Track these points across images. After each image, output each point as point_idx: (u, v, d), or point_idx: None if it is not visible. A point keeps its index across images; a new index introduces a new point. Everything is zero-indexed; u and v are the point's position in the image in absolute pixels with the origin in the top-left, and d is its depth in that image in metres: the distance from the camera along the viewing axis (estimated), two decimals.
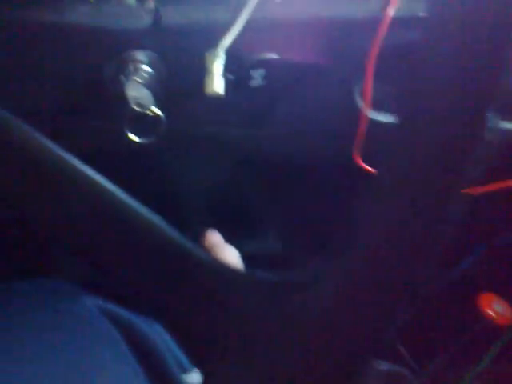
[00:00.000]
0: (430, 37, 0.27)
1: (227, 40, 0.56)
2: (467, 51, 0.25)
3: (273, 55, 0.59)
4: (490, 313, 0.84)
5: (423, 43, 0.27)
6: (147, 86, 0.60)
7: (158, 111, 0.61)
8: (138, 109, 0.60)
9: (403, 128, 0.28)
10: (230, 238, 1.03)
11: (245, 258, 1.02)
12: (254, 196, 1.04)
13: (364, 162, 0.68)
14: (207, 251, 0.55)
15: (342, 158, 0.72)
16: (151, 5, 0.59)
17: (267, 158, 0.86)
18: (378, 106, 0.67)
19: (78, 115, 0.66)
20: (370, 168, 0.68)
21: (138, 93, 0.59)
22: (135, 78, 0.59)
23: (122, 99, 0.59)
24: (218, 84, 0.56)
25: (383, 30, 0.58)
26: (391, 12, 0.58)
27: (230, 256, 0.55)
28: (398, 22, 0.58)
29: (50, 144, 0.44)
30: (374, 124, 0.67)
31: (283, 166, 0.91)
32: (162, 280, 0.24)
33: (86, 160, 0.89)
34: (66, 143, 0.81)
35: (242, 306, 0.26)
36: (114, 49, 0.58)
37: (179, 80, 0.61)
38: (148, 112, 0.60)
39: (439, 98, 0.26)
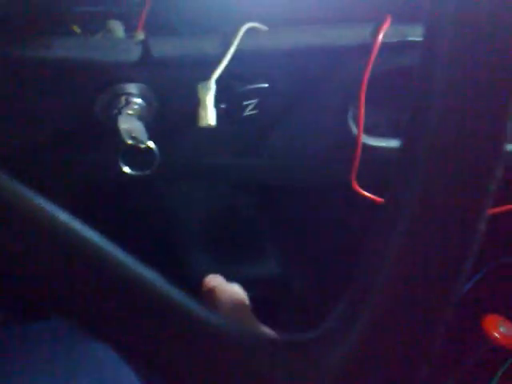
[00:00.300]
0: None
1: (218, 71, 0.56)
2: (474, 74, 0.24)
3: (264, 84, 0.59)
4: (495, 334, 0.83)
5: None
6: (139, 118, 0.60)
7: (151, 144, 0.61)
8: (131, 142, 0.59)
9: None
10: (229, 263, 1.03)
11: (245, 281, 1.02)
12: (252, 220, 1.03)
13: (361, 186, 0.68)
14: (210, 295, 0.52)
15: (337, 182, 0.71)
16: (140, 37, 0.59)
17: (263, 184, 0.86)
18: (371, 130, 0.67)
19: (70, 149, 0.65)
20: (367, 193, 0.68)
21: (131, 125, 0.59)
22: (127, 110, 0.59)
23: (115, 132, 0.59)
24: (211, 116, 0.56)
25: (374, 56, 0.58)
26: (381, 38, 0.58)
27: (234, 295, 0.52)
28: (389, 48, 0.58)
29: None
30: (369, 149, 0.66)
31: (279, 191, 0.91)
32: (158, 346, 0.23)
33: (80, 193, 0.89)
34: (59, 177, 0.81)
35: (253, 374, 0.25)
36: (103, 82, 0.58)
37: (171, 111, 0.61)
38: (141, 145, 0.60)
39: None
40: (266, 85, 0.59)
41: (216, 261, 1.04)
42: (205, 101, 0.57)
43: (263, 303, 1.00)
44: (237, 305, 0.51)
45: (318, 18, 0.60)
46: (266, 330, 0.53)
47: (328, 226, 0.95)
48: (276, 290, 1.04)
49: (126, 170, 0.62)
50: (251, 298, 0.99)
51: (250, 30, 0.58)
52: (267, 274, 1.04)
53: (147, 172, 0.63)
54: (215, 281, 0.53)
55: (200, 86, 0.57)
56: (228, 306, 0.50)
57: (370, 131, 0.66)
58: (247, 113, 0.59)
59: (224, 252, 1.04)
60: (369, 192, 0.68)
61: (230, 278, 1.03)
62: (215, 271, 1.03)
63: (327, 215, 0.95)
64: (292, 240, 1.02)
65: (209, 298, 0.51)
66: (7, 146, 0.63)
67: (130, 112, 0.59)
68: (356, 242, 0.91)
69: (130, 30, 0.61)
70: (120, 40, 0.58)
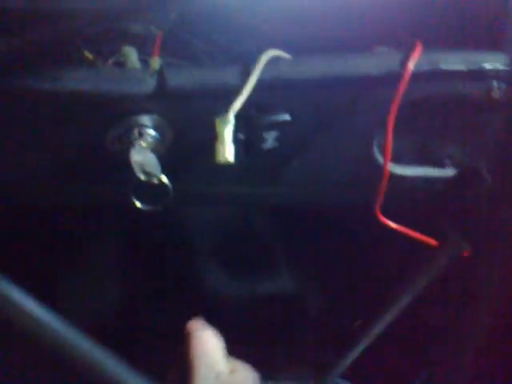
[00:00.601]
0: None
1: (238, 104, 0.53)
2: None
3: (286, 116, 0.56)
4: None
5: None
6: (152, 150, 0.56)
7: (164, 179, 0.57)
8: (143, 177, 0.56)
9: None
10: (244, 280, 1.01)
11: (259, 298, 1.00)
12: (267, 238, 1.01)
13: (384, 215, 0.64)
14: (187, 340, 0.53)
15: (357, 207, 0.68)
16: (155, 65, 0.55)
17: (281, 208, 0.83)
18: (396, 158, 0.63)
19: (81, 180, 0.62)
20: (391, 223, 0.65)
21: (144, 158, 0.56)
22: (140, 143, 0.56)
23: (127, 165, 0.56)
24: (229, 152, 0.53)
25: (404, 85, 0.54)
26: (411, 66, 0.54)
27: (207, 342, 0.53)
28: (419, 76, 0.55)
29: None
30: (394, 177, 0.63)
31: (295, 211, 0.88)
32: None
33: (91, 224, 0.86)
34: (70, 207, 0.78)
35: None
36: (116, 114, 0.54)
37: (186, 144, 0.57)
38: (154, 180, 0.56)
39: None
40: (288, 116, 0.55)
41: (231, 278, 1.02)
42: (223, 135, 0.53)
43: (277, 322, 0.99)
44: (209, 350, 0.52)
45: (343, 44, 0.57)
46: (243, 371, 0.53)
47: (344, 248, 0.92)
48: (290, 308, 1.01)
49: (138, 204, 0.59)
50: (266, 316, 0.98)
51: (271, 58, 0.54)
52: (282, 292, 1.02)
53: (159, 207, 0.59)
54: (193, 327, 0.53)
55: (218, 120, 0.53)
56: (200, 351, 0.51)
57: (394, 159, 0.63)
58: (267, 146, 0.56)
59: (239, 269, 1.02)
60: (388, 218, 0.65)
61: (245, 294, 1.01)
62: (230, 288, 1.02)
63: (343, 236, 0.91)
64: (307, 259, 1.00)
65: (186, 342, 0.53)
66: (18, 175, 0.60)
67: (143, 144, 0.56)
68: (371, 265, 0.88)
69: (144, 52, 0.58)
70: (134, 70, 0.54)
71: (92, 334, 0.67)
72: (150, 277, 0.99)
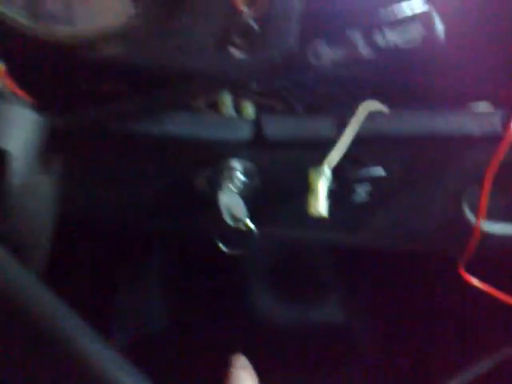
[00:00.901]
0: None
1: (334, 157, 0.52)
2: None
3: (380, 170, 0.55)
4: None
5: None
6: (241, 194, 0.56)
7: (250, 225, 0.57)
8: (230, 220, 0.56)
9: None
10: (294, 306, 1.00)
11: (307, 325, 0.99)
12: (319, 267, 1.00)
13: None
14: (227, 375, 0.53)
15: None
16: (250, 114, 0.55)
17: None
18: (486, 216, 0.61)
19: (166, 217, 0.62)
20: (473, 280, 0.63)
21: (232, 201, 0.55)
22: (229, 186, 0.56)
23: (214, 206, 0.56)
24: (322, 205, 0.52)
25: (504, 147, 0.53)
26: None
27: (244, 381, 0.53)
28: None
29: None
30: (483, 234, 0.61)
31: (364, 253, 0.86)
32: None
33: (174, 262, 0.86)
34: (155, 242, 0.78)
35: None
36: (209, 158, 0.54)
37: (275, 192, 0.57)
38: (240, 225, 0.56)
39: None
40: (382, 171, 0.55)
41: (281, 304, 1.02)
42: (317, 188, 0.52)
43: (324, 353, 0.97)
44: None
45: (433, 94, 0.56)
46: None
47: (401, 287, 0.90)
48: (338, 339, 1.00)
49: (223, 248, 0.59)
50: (314, 344, 0.97)
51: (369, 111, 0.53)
52: (330, 321, 1.00)
53: (243, 251, 0.59)
54: (234, 363, 0.53)
55: (313, 171, 0.53)
56: None
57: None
58: (359, 199, 0.55)
59: (289, 295, 1.01)
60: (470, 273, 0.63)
61: (293, 320, 1.01)
62: (280, 314, 1.01)
63: (412, 280, 0.90)
64: (360, 292, 0.98)
65: (225, 378, 0.53)
66: (106, 210, 0.61)
67: (232, 188, 0.56)
68: (435, 313, 0.86)
69: (239, 96, 0.58)
70: (232, 118, 0.54)
71: (142, 355, 0.66)
72: (202, 301, 0.99)
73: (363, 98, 0.54)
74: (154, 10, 0.46)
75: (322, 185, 0.52)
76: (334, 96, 0.61)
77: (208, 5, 0.46)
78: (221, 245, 0.59)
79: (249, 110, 0.56)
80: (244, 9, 0.46)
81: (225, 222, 0.56)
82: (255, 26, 0.47)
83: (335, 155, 0.52)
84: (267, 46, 0.47)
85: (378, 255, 0.86)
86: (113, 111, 0.50)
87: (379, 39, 0.48)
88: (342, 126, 0.53)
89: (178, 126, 0.53)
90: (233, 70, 0.48)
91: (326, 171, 0.52)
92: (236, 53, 0.47)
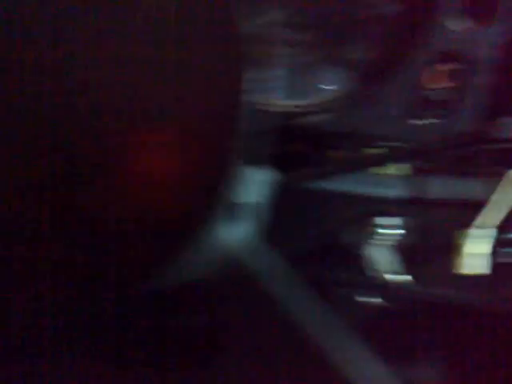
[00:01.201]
0: None
1: (484, 220, 0.54)
2: None
3: None
4: None
5: None
6: (387, 249, 0.59)
7: (388, 277, 0.59)
8: (372, 273, 0.58)
9: None
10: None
11: None
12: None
13: None
14: None
15: None
16: (408, 173, 0.59)
17: None
18: None
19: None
20: None
21: (377, 256, 0.58)
22: (377, 240, 0.59)
23: (355, 258, 0.59)
24: (467, 265, 0.54)
25: None
26: None
27: None
28: None
29: None
30: None
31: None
32: None
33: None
34: None
35: None
36: (363, 213, 0.58)
37: (420, 247, 0.59)
38: (380, 278, 0.58)
39: None
40: None
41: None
42: (463, 249, 0.54)
43: None
44: None
45: None
46: None
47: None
48: None
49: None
50: None
51: None
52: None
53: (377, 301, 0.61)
54: None
55: (460, 233, 0.55)
56: None
57: None
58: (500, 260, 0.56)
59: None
60: None
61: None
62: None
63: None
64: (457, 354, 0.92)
65: None
66: None
67: (379, 243, 0.59)
68: None
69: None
70: (389, 176, 0.59)
71: None
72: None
73: None
74: (364, 86, 0.54)
75: (469, 246, 0.54)
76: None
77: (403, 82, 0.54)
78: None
79: (407, 171, 0.60)
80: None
81: (365, 274, 0.59)
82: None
83: (486, 219, 0.54)
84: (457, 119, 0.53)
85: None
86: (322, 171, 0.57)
87: None
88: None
89: (344, 183, 0.58)
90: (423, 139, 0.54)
91: (475, 234, 0.54)
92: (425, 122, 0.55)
